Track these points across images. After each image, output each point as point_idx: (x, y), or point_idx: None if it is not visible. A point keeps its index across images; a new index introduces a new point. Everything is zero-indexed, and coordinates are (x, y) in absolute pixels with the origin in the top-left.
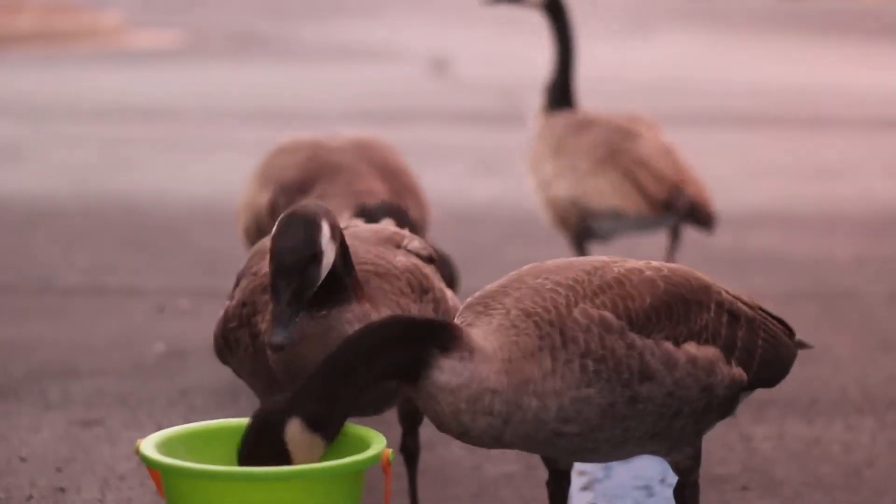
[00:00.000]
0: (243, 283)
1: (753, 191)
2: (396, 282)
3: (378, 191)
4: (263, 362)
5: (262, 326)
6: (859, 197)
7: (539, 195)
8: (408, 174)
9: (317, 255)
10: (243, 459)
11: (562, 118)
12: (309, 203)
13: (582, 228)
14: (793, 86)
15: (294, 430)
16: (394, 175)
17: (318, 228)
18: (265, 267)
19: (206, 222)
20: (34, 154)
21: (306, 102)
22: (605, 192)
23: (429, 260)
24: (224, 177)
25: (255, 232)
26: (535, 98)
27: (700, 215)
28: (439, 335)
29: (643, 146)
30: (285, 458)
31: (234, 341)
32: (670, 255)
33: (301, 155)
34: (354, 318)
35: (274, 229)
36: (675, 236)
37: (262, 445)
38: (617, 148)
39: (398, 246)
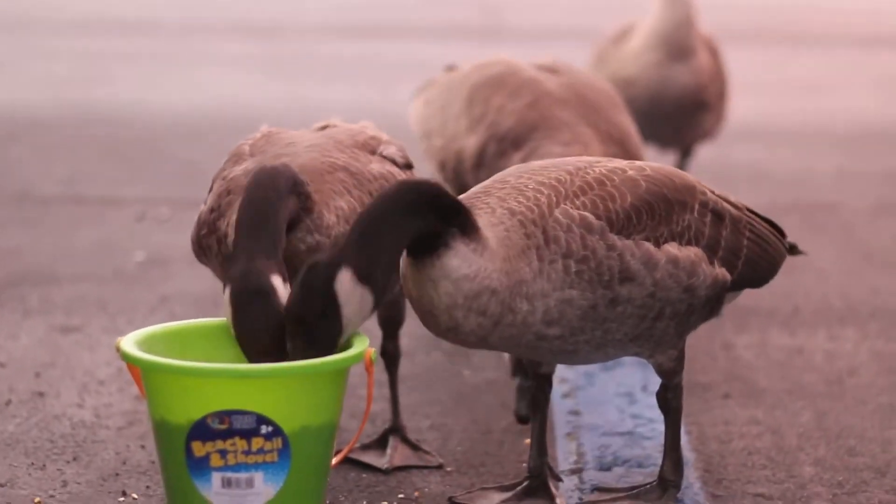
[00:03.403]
0: (215, 187)
1: (736, 106)
2: (368, 185)
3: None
4: None
5: (226, 230)
6: (841, 112)
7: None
8: (630, 138)
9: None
10: (293, 314)
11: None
12: (250, 269)
13: None
14: (775, 1)
15: (344, 281)
16: (616, 143)
17: (274, 298)
18: (236, 171)
19: (185, 133)
20: (12, 66)
21: (286, 16)
22: None
23: (405, 167)
24: (203, 89)
25: (453, 171)
26: (515, 13)
27: None
28: (462, 217)
29: None
30: (336, 311)
31: (206, 247)
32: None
33: (522, 101)
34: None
35: (230, 309)
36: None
37: (313, 297)
38: None
39: (374, 152)
